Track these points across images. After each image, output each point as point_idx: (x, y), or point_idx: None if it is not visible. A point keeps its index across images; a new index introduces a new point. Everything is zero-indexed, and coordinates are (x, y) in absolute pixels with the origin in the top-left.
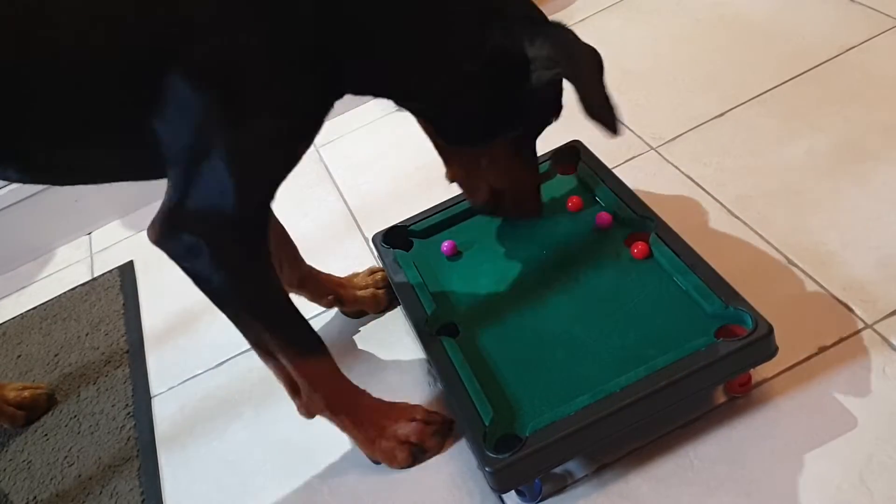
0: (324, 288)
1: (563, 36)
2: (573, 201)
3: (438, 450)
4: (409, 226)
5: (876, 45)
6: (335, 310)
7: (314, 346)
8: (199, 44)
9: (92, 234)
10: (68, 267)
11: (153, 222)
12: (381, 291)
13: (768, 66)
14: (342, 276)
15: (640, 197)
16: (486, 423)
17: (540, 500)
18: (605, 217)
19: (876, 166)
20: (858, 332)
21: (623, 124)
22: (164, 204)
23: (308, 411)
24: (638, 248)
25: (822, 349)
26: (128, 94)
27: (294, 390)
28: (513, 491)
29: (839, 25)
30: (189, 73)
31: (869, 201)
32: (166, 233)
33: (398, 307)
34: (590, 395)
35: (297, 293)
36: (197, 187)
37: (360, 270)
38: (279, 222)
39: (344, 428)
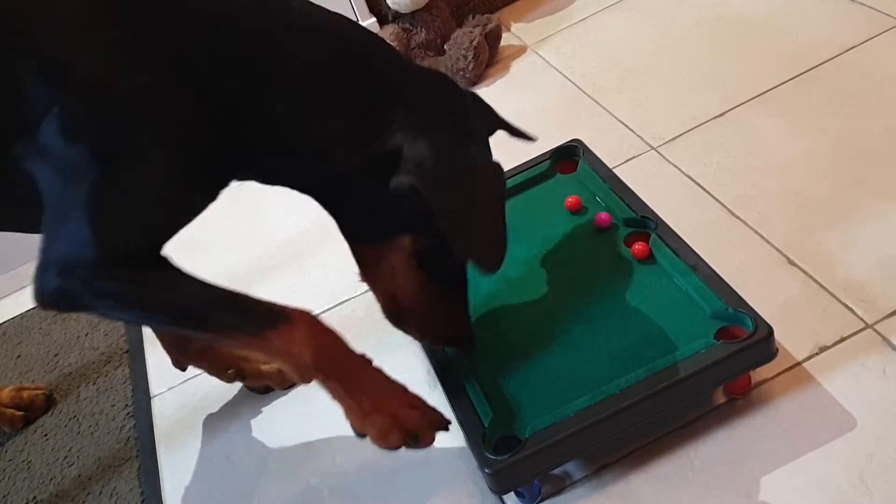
0: (222, 361)
1: (453, 148)
2: (572, 201)
3: (430, 443)
4: None
5: (876, 45)
6: (336, 309)
7: (265, 320)
8: (58, 98)
9: None
10: None
11: (33, 283)
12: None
13: (768, 66)
14: None
15: (639, 197)
16: (486, 425)
17: (539, 502)
18: (604, 217)
19: (876, 166)
20: (858, 332)
21: (623, 124)
22: (37, 262)
23: (300, 377)
24: (638, 248)
25: (822, 349)
26: None
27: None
28: (512, 492)
29: (839, 25)
30: (46, 131)
31: (869, 201)
32: (42, 286)
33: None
34: (589, 397)
35: (195, 365)
36: (59, 242)
37: None
38: None
39: (333, 393)
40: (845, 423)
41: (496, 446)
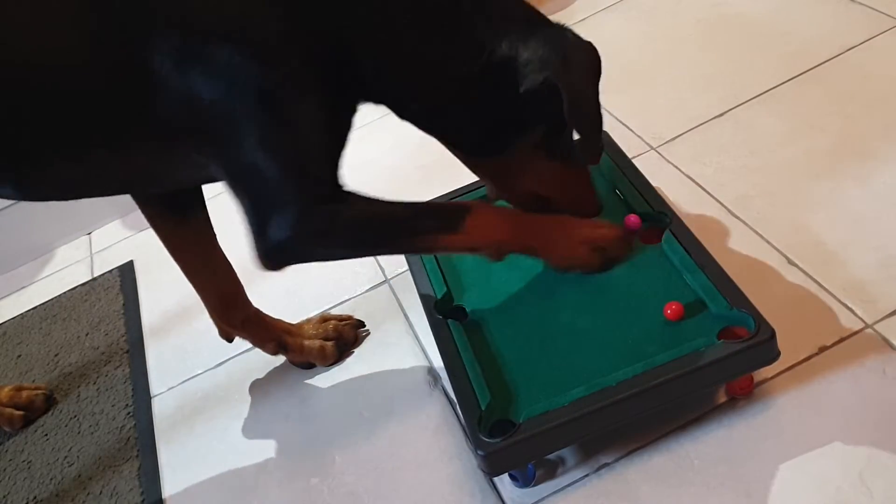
0: (268, 332)
1: (557, 37)
2: None
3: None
4: None
5: (876, 45)
6: (336, 309)
7: (453, 215)
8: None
9: (92, 234)
10: (68, 267)
11: (255, 254)
12: (329, 343)
13: (768, 66)
14: (294, 318)
15: (657, 191)
16: (483, 408)
17: (533, 486)
18: (633, 220)
19: (876, 166)
20: (858, 332)
21: (623, 124)
22: (251, 233)
23: (498, 257)
24: (642, 233)
25: (822, 349)
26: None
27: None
28: (507, 476)
29: (839, 25)
30: (227, 97)
31: (869, 201)
32: (268, 255)
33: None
34: (585, 387)
35: (240, 335)
36: (263, 205)
37: (313, 316)
38: (224, 257)
39: (533, 254)
40: (845, 423)
41: (491, 429)
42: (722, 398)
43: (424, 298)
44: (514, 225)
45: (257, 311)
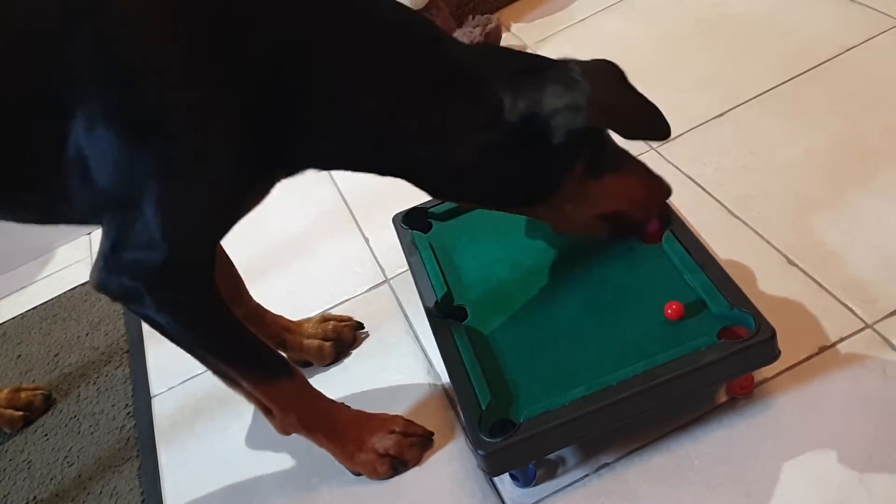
0: (268, 329)
1: (570, 77)
2: None
3: (418, 461)
4: (430, 208)
5: (876, 45)
6: (336, 309)
7: (277, 370)
8: (126, 92)
9: (92, 234)
10: (68, 267)
11: (93, 267)
12: (328, 344)
13: (768, 66)
14: (294, 319)
15: None
16: (483, 408)
17: (534, 486)
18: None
19: (876, 166)
20: (858, 332)
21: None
22: (100, 247)
23: (283, 430)
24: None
25: (822, 349)
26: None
27: (266, 411)
28: (507, 475)
29: (839, 25)
30: (112, 123)
31: (869, 201)
32: (105, 279)
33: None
34: (586, 387)
35: None
36: (128, 236)
37: (313, 316)
38: (224, 253)
39: (320, 444)
40: (845, 423)
41: (492, 429)
42: (722, 398)
43: (425, 298)
44: (312, 411)
45: (258, 305)
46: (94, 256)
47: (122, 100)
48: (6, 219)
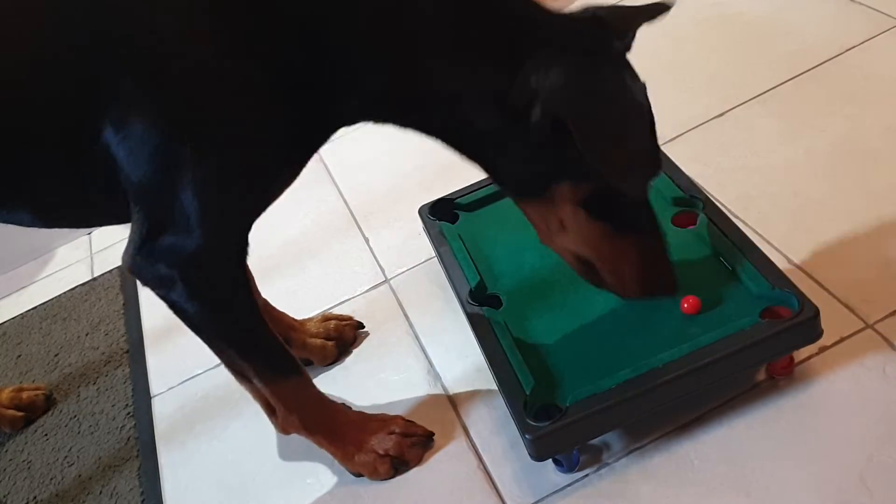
0: (276, 327)
1: (576, 70)
2: None
3: (419, 461)
4: (456, 199)
5: (876, 45)
6: (336, 309)
7: (289, 369)
8: (156, 73)
9: (92, 234)
10: (68, 267)
11: (126, 250)
12: (330, 343)
13: (768, 66)
14: (297, 317)
15: (688, 175)
16: (527, 393)
17: (577, 471)
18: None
19: (876, 166)
20: (858, 332)
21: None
22: (134, 232)
23: (284, 430)
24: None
25: (822, 349)
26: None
27: (270, 409)
28: (550, 461)
29: (839, 25)
30: (144, 108)
31: (869, 201)
32: (139, 263)
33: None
34: (631, 370)
35: None
36: (165, 222)
37: (314, 316)
38: None
39: (321, 445)
40: (845, 423)
41: (537, 414)
42: (722, 399)
43: (458, 288)
44: (314, 413)
45: (266, 302)
46: (126, 242)
47: (157, 88)
48: (12, 221)
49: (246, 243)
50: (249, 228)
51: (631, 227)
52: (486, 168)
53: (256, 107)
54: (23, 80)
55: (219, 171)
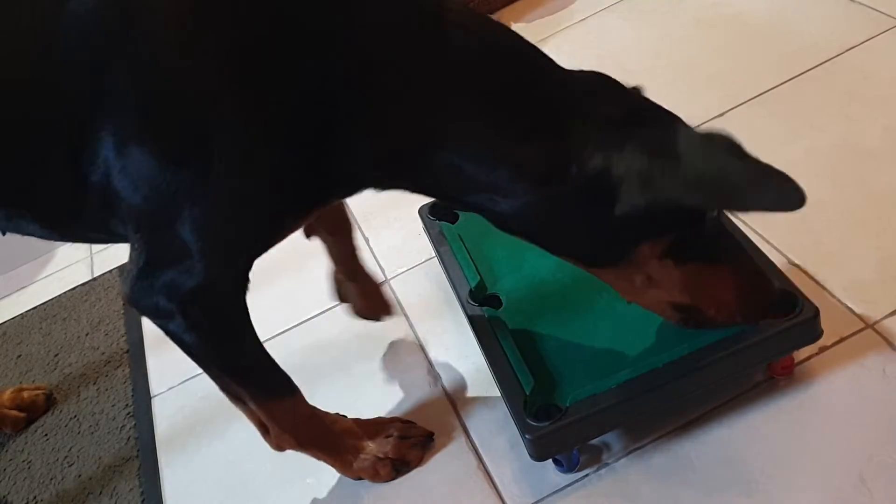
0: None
1: (666, 134)
2: None
3: (419, 462)
4: None
5: (876, 45)
6: (337, 309)
7: (282, 390)
8: (160, 109)
9: None
10: (68, 267)
11: (125, 280)
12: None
13: (768, 66)
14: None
15: None
16: (527, 392)
17: (577, 471)
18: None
19: (876, 166)
20: (858, 332)
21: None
22: (133, 262)
23: (279, 447)
24: None
25: (823, 349)
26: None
27: (263, 428)
28: (550, 461)
29: (839, 25)
30: (145, 142)
31: (869, 201)
32: (138, 294)
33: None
34: (631, 370)
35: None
36: (165, 256)
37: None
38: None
39: (317, 458)
40: (845, 423)
41: (537, 413)
42: (722, 399)
43: (458, 288)
44: (308, 428)
45: (358, 264)
46: (126, 268)
47: (161, 120)
48: (20, 231)
49: (247, 279)
50: (251, 266)
51: (718, 256)
52: (547, 247)
53: (265, 153)
54: (22, 101)
55: (223, 210)
